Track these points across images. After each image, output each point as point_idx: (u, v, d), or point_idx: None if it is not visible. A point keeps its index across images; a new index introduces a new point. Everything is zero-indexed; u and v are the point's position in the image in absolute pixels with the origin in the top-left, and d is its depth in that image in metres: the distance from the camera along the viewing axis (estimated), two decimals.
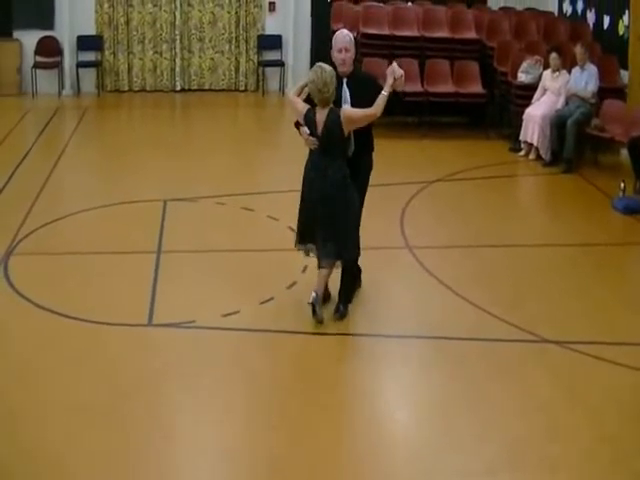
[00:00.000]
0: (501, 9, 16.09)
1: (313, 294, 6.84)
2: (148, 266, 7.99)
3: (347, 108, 6.73)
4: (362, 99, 6.72)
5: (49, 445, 5.26)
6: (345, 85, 6.87)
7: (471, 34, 14.36)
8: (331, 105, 6.67)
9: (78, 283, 7.70)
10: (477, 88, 13.68)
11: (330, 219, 6.81)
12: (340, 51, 6.91)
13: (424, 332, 6.91)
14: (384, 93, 6.66)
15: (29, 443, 5.29)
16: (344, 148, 6.76)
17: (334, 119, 6.63)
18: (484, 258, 8.52)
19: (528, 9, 15.99)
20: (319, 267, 7.00)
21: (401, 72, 6.75)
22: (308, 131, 6.74)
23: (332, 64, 6.83)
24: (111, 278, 7.80)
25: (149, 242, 8.58)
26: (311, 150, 6.87)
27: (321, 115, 6.68)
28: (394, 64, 6.83)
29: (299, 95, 6.85)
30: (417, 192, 10.45)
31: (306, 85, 6.77)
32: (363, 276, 7.62)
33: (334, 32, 15.38)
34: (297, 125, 6.95)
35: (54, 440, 5.32)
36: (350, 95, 6.85)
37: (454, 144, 13.08)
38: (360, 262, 7.34)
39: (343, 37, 6.95)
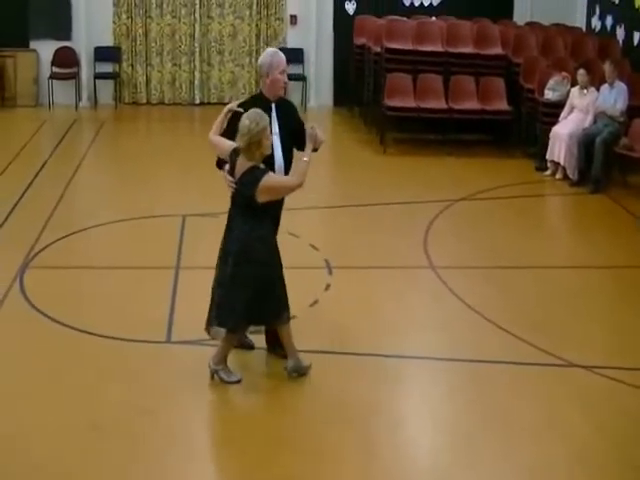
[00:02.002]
0: (527, 24, 16.13)
1: None
2: (167, 282, 8.07)
3: (270, 177, 5.98)
4: (287, 128, 6.35)
5: (63, 462, 5.34)
6: (274, 112, 6.38)
7: (497, 50, 14.43)
8: (254, 163, 5.99)
9: (95, 298, 7.79)
10: (502, 105, 13.72)
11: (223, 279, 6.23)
12: (282, 73, 6.40)
13: (448, 354, 6.95)
14: (305, 159, 6.08)
15: (43, 459, 5.37)
16: (255, 210, 6.05)
17: (251, 181, 5.96)
18: (509, 280, 8.56)
19: (555, 24, 16.03)
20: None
21: (323, 140, 6.30)
22: (228, 170, 6.10)
23: (270, 87, 6.38)
24: (129, 294, 7.89)
25: (168, 258, 8.67)
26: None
27: (241, 166, 6.03)
28: (316, 130, 6.19)
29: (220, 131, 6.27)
30: (441, 211, 10.50)
31: (225, 119, 6.28)
32: (383, 296, 7.66)
33: (357, 46, 15.73)
34: (219, 163, 6.35)
35: (68, 457, 5.40)
36: (278, 126, 6.35)
37: (478, 162, 13.12)
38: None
39: (283, 57, 6.47)
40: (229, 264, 6.15)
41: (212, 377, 6.29)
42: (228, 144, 6.14)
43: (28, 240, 9.05)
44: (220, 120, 6.32)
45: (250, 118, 5.91)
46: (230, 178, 6.08)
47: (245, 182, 5.99)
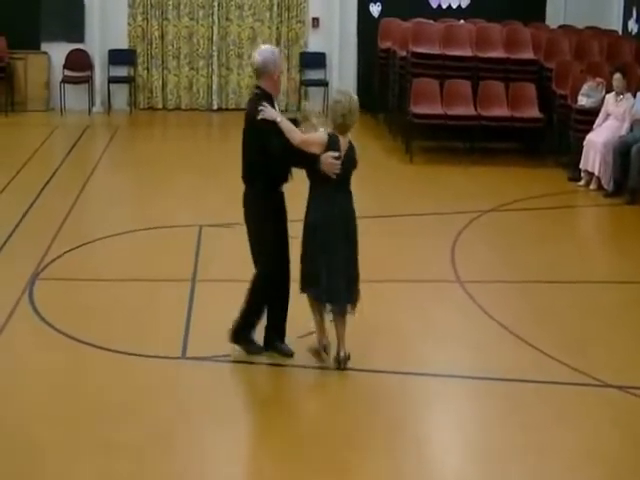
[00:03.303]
0: (560, 27, 16.13)
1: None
2: (182, 295, 8.07)
3: None
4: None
5: None
6: (277, 107, 6.76)
7: (528, 54, 14.41)
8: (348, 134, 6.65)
9: (107, 312, 7.80)
10: (534, 112, 13.68)
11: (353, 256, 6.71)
12: (282, 73, 6.87)
13: (477, 372, 6.91)
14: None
15: (53, 477, 5.39)
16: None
17: (353, 148, 6.65)
18: (541, 295, 8.52)
19: (590, 27, 16.00)
20: (339, 312, 6.73)
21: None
22: (336, 154, 6.49)
23: (275, 85, 6.71)
24: (143, 307, 7.91)
25: (183, 270, 8.68)
26: (318, 184, 6.60)
27: (343, 142, 6.59)
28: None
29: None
30: (469, 223, 10.47)
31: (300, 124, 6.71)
32: (408, 311, 7.65)
33: (382, 50, 15.73)
34: (304, 162, 6.59)
35: (79, 476, 5.41)
36: None
37: (508, 172, 13.07)
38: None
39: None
40: (351, 240, 6.66)
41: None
42: (318, 134, 6.61)
43: (38, 251, 9.08)
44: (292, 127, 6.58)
45: (342, 91, 6.80)
46: (336, 158, 6.48)
47: (351, 154, 6.61)
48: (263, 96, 6.63)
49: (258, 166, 6.66)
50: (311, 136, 6.60)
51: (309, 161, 6.52)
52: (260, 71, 6.67)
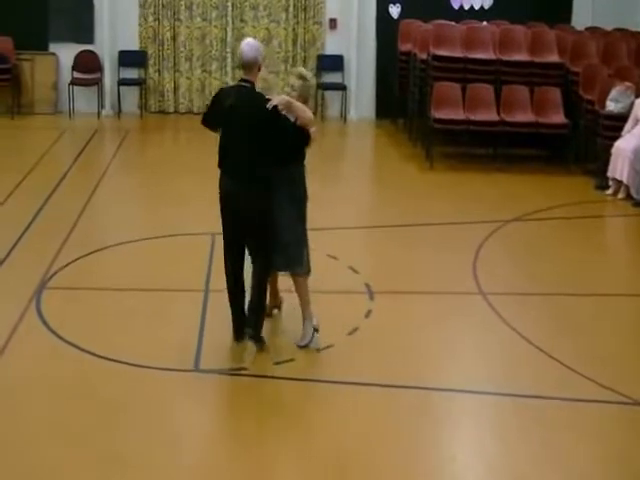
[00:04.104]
0: (587, 29, 16.13)
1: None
2: (195, 305, 8.13)
3: None
4: None
5: None
6: None
7: (553, 57, 14.43)
8: None
9: (118, 322, 7.86)
10: (559, 118, 13.70)
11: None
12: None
13: (500, 388, 6.93)
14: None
15: None
16: None
17: None
18: (567, 308, 8.52)
19: (618, 29, 15.99)
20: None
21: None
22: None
23: (257, 79, 7.19)
24: (154, 318, 7.95)
25: (196, 279, 8.73)
26: (303, 159, 7.38)
27: None
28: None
29: None
30: (491, 232, 10.48)
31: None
32: (429, 324, 7.67)
33: (402, 53, 15.76)
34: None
35: None
36: None
37: (532, 180, 13.10)
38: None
39: None
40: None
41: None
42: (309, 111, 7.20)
43: (46, 258, 9.15)
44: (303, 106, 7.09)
45: (305, 72, 7.58)
46: None
47: None
48: (254, 89, 7.08)
49: (268, 159, 7.04)
50: (309, 112, 7.15)
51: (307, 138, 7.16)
52: (251, 65, 7.07)
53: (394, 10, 16.88)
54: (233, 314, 7.42)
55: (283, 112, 6.87)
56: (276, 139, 6.99)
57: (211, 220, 10.47)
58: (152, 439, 6.03)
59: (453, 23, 15.18)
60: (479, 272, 9.24)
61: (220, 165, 7.27)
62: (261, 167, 7.05)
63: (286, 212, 7.18)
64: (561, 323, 8.14)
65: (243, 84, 7.10)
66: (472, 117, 13.63)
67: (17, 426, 6.15)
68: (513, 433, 6.34)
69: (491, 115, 13.68)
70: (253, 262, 7.39)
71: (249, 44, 7.11)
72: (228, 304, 7.42)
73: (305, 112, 6.97)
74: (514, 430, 6.38)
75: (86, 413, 6.34)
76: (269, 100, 6.88)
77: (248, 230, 7.26)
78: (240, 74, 7.35)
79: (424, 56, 14.48)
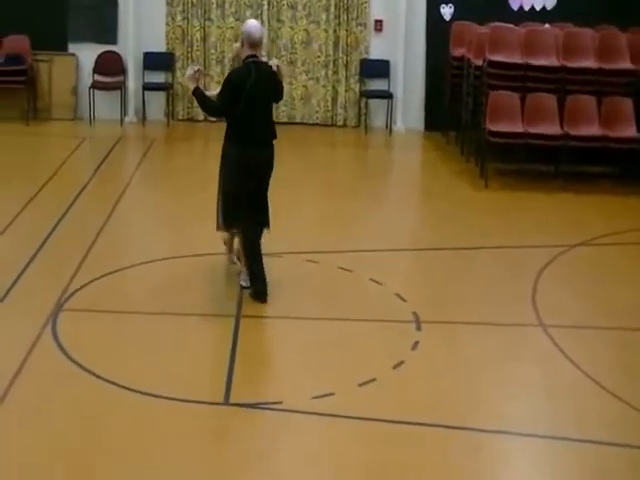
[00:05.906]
0: None
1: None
2: (225, 332, 8.17)
3: None
4: None
5: None
6: None
7: (624, 64, 14.35)
8: None
9: (140, 349, 7.92)
10: (631, 131, 13.65)
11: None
12: None
13: (558, 431, 6.89)
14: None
15: None
16: None
17: None
18: (636, 344, 8.48)
19: None
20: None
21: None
22: None
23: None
24: (180, 345, 8.01)
25: (226, 304, 8.79)
26: None
27: None
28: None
29: None
30: (553, 258, 10.46)
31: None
32: (483, 358, 7.64)
33: (454, 58, 15.76)
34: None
35: None
36: None
37: (600, 200, 13.05)
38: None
39: None
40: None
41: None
42: None
43: (62, 278, 9.24)
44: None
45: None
46: None
47: None
48: (262, 62, 8.91)
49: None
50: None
51: None
52: (259, 44, 8.70)
53: (446, 11, 16.88)
54: (261, 265, 8.86)
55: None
56: (276, 96, 8.94)
57: None
58: (177, 477, 6.06)
59: (512, 25, 15.13)
60: (539, 302, 9.21)
61: (239, 138, 8.66)
62: (274, 124, 8.95)
63: None
64: (628, 360, 8.10)
65: (256, 60, 8.66)
66: (532, 130, 13.59)
67: (28, 456, 6.22)
68: None
69: (553, 128, 13.64)
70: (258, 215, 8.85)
71: (256, 26, 8.72)
72: (248, 263, 8.88)
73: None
74: (571, 478, 6.34)
75: (102, 447, 6.38)
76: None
77: (265, 182, 8.88)
78: None
79: (479, 62, 14.48)
